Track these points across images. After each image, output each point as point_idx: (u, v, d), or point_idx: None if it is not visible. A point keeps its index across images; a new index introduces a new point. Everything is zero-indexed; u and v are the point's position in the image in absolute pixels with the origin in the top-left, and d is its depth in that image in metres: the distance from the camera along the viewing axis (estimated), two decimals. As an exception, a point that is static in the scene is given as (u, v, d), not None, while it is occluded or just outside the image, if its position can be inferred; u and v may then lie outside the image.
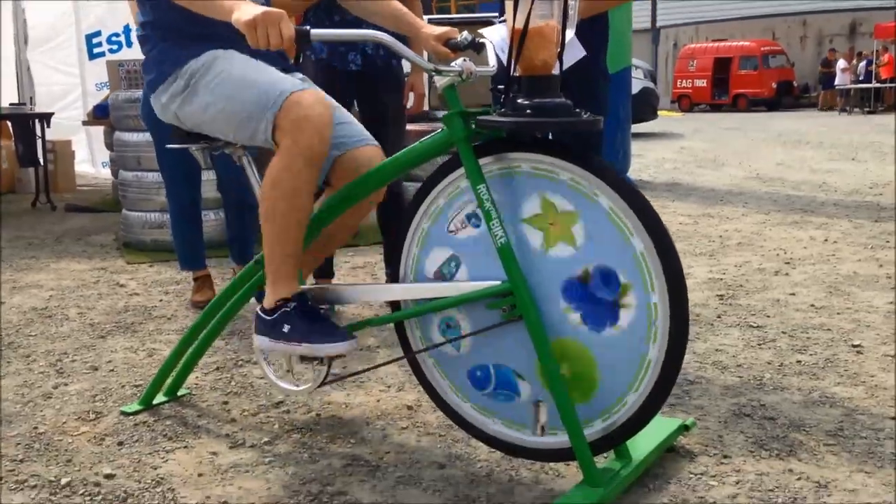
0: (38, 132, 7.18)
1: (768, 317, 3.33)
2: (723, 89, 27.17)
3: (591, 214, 1.80)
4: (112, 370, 2.87)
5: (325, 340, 1.96)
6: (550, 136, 2.13)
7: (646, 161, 10.20)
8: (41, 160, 7.31)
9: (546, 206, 1.86)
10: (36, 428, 2.37)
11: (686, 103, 27.69)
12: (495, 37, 2.39)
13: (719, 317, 3.35)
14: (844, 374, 2.67)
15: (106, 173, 8.33)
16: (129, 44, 8.54)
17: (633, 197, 1.77)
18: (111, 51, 8.70)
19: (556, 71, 1.86)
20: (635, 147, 9.96)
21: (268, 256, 2.02)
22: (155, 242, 4.93)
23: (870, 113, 22.03)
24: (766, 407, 2.41)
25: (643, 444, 2.01)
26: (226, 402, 2.55)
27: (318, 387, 2.12)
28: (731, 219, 5.83)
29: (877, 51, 23.76)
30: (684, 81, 28.14)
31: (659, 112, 16.49)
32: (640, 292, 1.78)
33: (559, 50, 1.86)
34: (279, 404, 2.52)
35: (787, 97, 26.59)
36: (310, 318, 2.00)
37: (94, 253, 5.04)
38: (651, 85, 15.50)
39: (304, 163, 1.94)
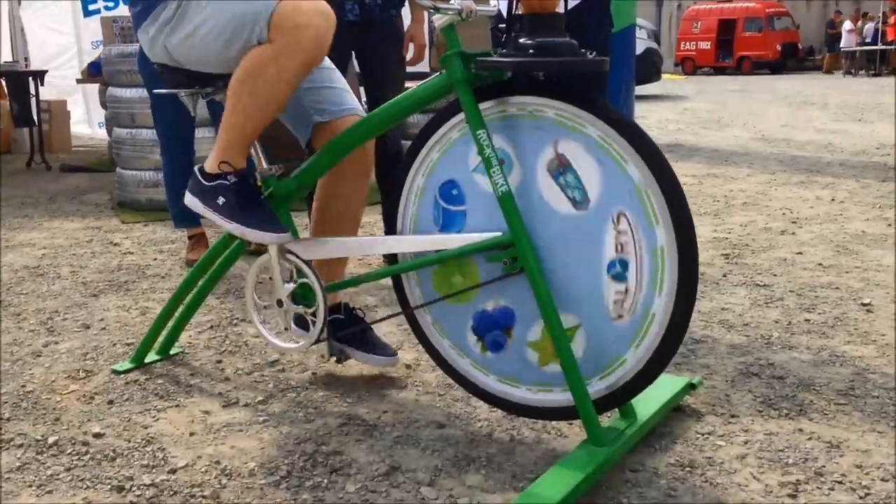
0: (33, 91, 7.05)
1: (775, 276, 3.25)
2: (727, 51, 26.87)
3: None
4: (104, 328, 2.80)
5: (256, 226, 1.92)
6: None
7: (648, 122, 10.06)
8: (36, 120, 7.20)
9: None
10: (24, 386, 2.31)
11: (689, 66, 27.40)
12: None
13: (725, 276, 3.27)
14: (854, 332, 2.59)
15: (102, 133, 8.22)
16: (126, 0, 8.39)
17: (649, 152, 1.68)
18: (107, 8, 8.54)
19: (560, 9, 1.76)
20: (638, 108, 9.79)
21: (226, 121, 1.94)
22: (150, 202, 4.84)
23: (875, 75, 21.80)
24: (774, 366, 2.34)
25: (648, 402, 1.95)
26: (219, 361, 2.48)
27: (314, 343, 2.05)
28: (735, 179, 5.73)
29: (884, 13, 23.45)
30: (688, 44, 27.83)
31: (662, 74, 16.29)
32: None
33: (564, -11, 1.77)
34: (274, 363, 2.46)
35: (791, 59, 26.31)
36: (247, 198, 1.95)
37: (89, 212, 4.96)
38: (654, 45, 15.30)
39: (292, 68, 1.85)
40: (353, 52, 3.35)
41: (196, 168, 2.02)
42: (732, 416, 2.04)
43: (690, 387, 2.12)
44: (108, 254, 3.87)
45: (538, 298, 1.76)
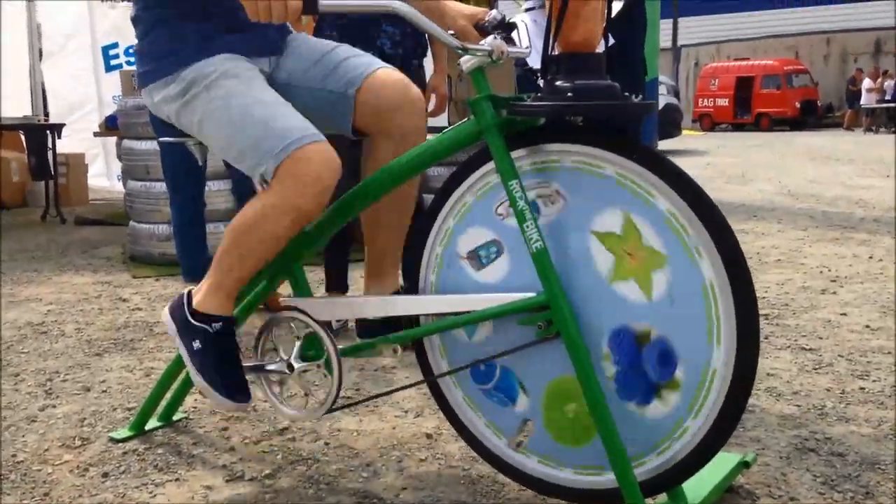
0: (50, 144, 7.01)
1: (821, 338, 3.05)
2: (745, 108, 26.84)
3: (684, 271, 1.53)
4: (105, 391, 2.63)
5: (221, 390, 1.77)
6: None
7: (671, 177, 9.90)
8: (52, 172, 7.14)
9: (628, 230, 1.57)
10: (14, 456, 2.13)
11: (708, 122, 27.36)
12: (522, 26, 2.16)
13: (766, 338, 3.07)
14: (915, 402, 2.38)
15: (120, 186, 8.15)
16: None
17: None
18: (129, 63, 8.56)
19: (600, 49, 1.61)
20: (660, 163, 9.67)
21: (220, 261, 1.81)
22: (163, 255, 4.71)
23: (896, 132, 21.65)
24: (832, 440, 2.13)
25: (699, 484, 1.74)
26: (225, 428, 2.30)
27: (327, 412, 1.87)
28: (766, 235, 5.54)
29: (904, 70, 23.41)
30: (706, 100, 27.83)
31: (682, 130, 16.24)
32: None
33: (604, 24, 1.62)
34: (284, 431, 2.27)
35: (810, 116, 26.23)
36: (223, 355, 1.80)
37: (100, 266, 4.83)
38: (675, 101, 15.27)
39: (292, 221, 1.73)
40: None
41: (185, 292, 1.87)
42: (791, 499, 1.83)
43: (744, 465, 1.91)
44: (116, 310, 3.72)
45: (576, 367, 1.58)
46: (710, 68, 28.67)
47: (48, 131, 6.99)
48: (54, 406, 2.50)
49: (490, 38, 1.67)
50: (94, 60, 8.61)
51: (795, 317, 3.37)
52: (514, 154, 1.66)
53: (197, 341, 1.79)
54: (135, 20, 1.94)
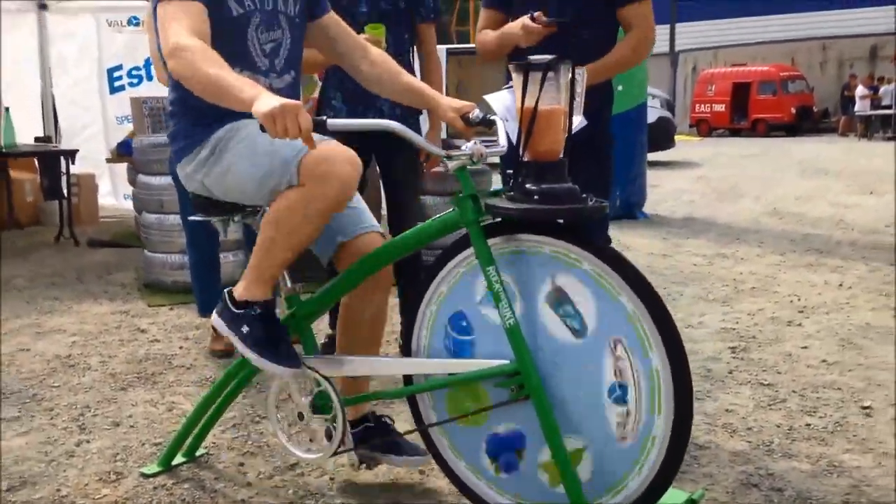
0: (63, 168, 7.32)
1: (779, 373, 3.35)
2: (742, 114, 27.16)
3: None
4: (132, 426, 2.94)
5: (273, 359, 2.07)
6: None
7: (663, 192, 10.21)
8: (65, 194, 7.45)
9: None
10: (59, 490, 2.44)
11: (705, 128, 27.67)
12: (500, 105, 2.46)
13: (730, 372, 3.37)
14: (853, 439, 2.68)
15: (127, 205, 8.48)
16: (150, 77, 8.72)
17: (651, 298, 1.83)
18: (131, 84, 8.88)
19: (562, 154, 1.92)
20: (653, 176, 10.00)
21: (257, 255, 2.10)
22: (175, 284, 5.01)
23: (890, 139, 21.91)
24: (773, 476, 2.43)
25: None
26: (242, 464, 2.60)
27: (333, 455, 2.18)
28: (745, 260, 5.84)
29: (900, 76, 23.68)
30: (703, 106, 28.13)
31: (677, 136, 16.56)
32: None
33: (566, 135, 1.93)
34: (294, 466, 2.57)
35: (806, 122, 26.54)
36: (269, 331, 2.10)
37: (116, 293, 5.13)
38: (668, 114, 15.56)
39: (319, 212, 2.01)
40: (373, 155, 3.53)
41: (226, 291, 2.18)
42: (731, 531, 2.13)
43: (691, 502, 2.22)
44: (136, 341, 4.02)
45: (543, 425, 1.89)
46: (706, 74, 28.97)
47: (62, 157, 7.29)
48: (88, 441, 2.81)
49: (471, 143, 1.98)
50: (99, 82, 8.93)
51: (760, 349, 3.68)
52: (492, 241, 1.97)
53: (245, 326, 2.10)
54: (171, 114, 2.25)
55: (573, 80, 1.96)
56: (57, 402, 3.19)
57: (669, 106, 16.76)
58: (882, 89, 24.19)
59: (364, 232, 2.30)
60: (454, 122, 2.19)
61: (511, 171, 1.96)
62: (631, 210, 8.12)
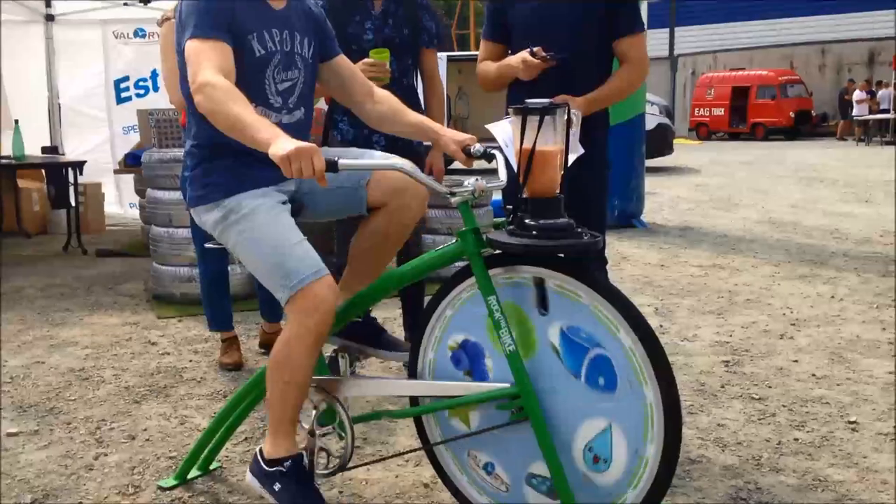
0: (71, 178, 7.45)
1: (770, 387, 3.48)
2: (740, 118, 27.34)
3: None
4: (148, 439, 3.06)
5: None
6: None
7: (661, 200, 10.35)
8: (73, 203, 7.58)
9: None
10: (81, 503, 2.56)
11: (704, 131, 27.86)
12: (501, 134, 2.59)
13: (723, 386, 3.50)
14: (839, 453, 2.81)
15: (133, 213, 8.63)
16: (156, 88, 8.86)
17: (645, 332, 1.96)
18: (138, 95, 9.02)
19: (558, 190, 2.05)
20: (651, 183, 10.15)
21: (274, 409, 2.22)
22: (184, 296, 5.14)
23: (888, 143, 22.07)
24: (761, 490, 2.56)
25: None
26: (254, 477, 2.73)
27: (338, 472, 2.31)
28: (740, 271, 5.97)
29: (896, 81, 23.83)
30: (702, 110, 28.33)
31: (676, 140, 16.74)
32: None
33: (562, 172, 2.06)
34: (304, 480, 2.69)
35: (804, 126, 26.71)
36: (300, 486, 2.20)
37: (125, 305, 5.26)
38: (667, 120, 15.69)
39: (309, 344, 2.13)
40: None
41: (258, 450, 2.29)
42: (720, 544, 2.25)
43: (681, 516, 2.34)
44: (147, 354, 4.15)
45: (541, 445, 2.01)
46: (706, 78, 29.15)
47: (69, 168, 7.42)
48: (106, 455, 2.93)
49: (473, 179, 2.10)
50: (107, 94, 9.06)
51: (753, 363, 3.80)
52: (493, 272, 2.09)
53: (277, 484, 2.21)
54: (187, 154, 2.37)
55: (569, 120, 2.08)
56: (74, 415, 3.32)
57: (668, 112, 16.88)
58: (880, 93, 24.40)
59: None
60: (456, 155, 2.32)
61: (511, 207, 2.08)
62: (629, 219, 8.26)
